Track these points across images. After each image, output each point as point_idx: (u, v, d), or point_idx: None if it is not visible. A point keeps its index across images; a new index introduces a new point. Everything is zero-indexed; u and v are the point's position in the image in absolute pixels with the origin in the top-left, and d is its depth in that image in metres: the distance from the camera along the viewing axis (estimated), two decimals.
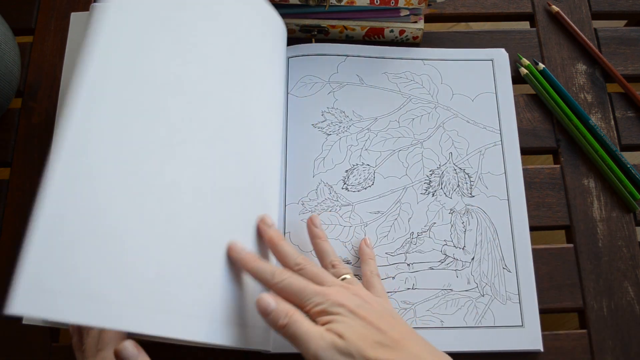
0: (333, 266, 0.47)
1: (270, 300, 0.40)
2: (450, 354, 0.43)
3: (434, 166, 0.55)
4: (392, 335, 0.39)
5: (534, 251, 0.53)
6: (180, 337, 0.40)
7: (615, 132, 0.58)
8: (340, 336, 0.38)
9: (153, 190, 0.40)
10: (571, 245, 0.54)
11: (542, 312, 0.51)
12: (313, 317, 0.40)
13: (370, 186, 0.54)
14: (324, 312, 0.40)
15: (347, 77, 0.58)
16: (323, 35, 0.61)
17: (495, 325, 0.50)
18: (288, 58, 0.59)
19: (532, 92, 0.60)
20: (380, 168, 0.55)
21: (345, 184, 0.54)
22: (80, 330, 0.45)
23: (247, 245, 0.46)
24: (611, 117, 0.59)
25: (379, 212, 0.54)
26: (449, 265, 0.52)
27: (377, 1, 0.56)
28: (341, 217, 0.53)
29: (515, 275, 0.52)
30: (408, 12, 0.58)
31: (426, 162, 0.56)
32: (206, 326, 0.42)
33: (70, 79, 0.48)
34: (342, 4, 0.56)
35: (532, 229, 0.54)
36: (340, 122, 0.57)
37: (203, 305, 0.42)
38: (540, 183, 0.56)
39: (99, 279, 0.34)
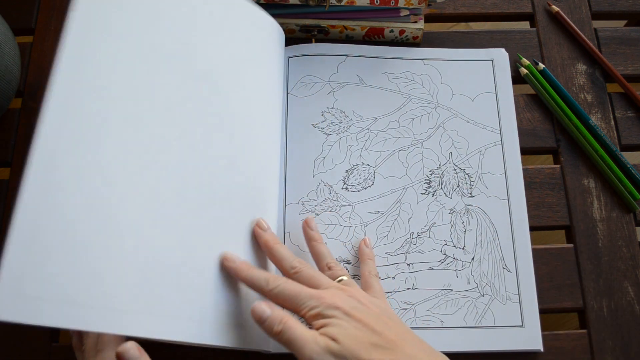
0: (329, 268, 0.47)
1: (265, 307, 0.40)
2: (450, 354, 0.43)
3: (434, 166, 0.55)
4: (387, 336, 0.39)
5: (534, 251, 0.53)
6: (174, 339, 0.41)
7: (615, 132, 0.58)
8: (334, 340, 0.38)
9: (135, 195, 0.40)
10: (571, 245, 0.54)
11: (542, 312, 0.51)
12: (309, 321, 0.40)
13: (370, 186, 0.54)
14: (319, 316, 0.40)
15: (347, 77, 0.58)
16: (323, 35, 0.61)
17: (495, 325, 0.50)
18: (288, 58, 0.59)
19: (532, 92, 0.60)
20: (380, 168, 0.55)
21: (345, 184, 0.54)
22: (80, 331, 0.45)
23: (243, 247, 0.46)
24: (611, 117, 0.59)
25: (379, 212, 0.54)
26: (449, 265, 0.52)
27: (377, 1, 0.56)
28: (341, 217, 0.53)
29: (515, 275, 0.52)
30: (408, 12, 0.58)
31: (426, 162, 0.55)
32: (205, 328, 0.42)
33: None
34: (342, 4, 0.56)
35: (532, 229, 0.54)
36: (340, 122, 0.57)
37: (199, 307, 0.42)
38: (540, 183, 0.56)
39: (79, 284, 0.35)
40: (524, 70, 0.60)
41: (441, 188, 0.55)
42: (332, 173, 0.55)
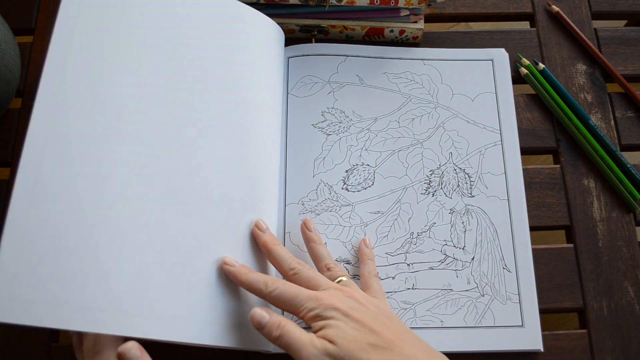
0: (328, 269, 0.47)
1: (263, 313, 0.41)
2: (450, 354, 0.43)
3: (434, 166, 0.55)
4: (386, 337, 0.39)
5: (534, 251, 0.53)
6: (175, 340, 0.41)
7: (615, 132, 0.58)
8: (331, 342, 0.38)
9: (129, 198, 0.41)
10: (571, 245, 0.54)
11: (542, 312, 0.51)
12: (308, 322, 0.41)
13: (370, 186, 0.54)
14: (318, 317, 0.40)
15: (347, 77, 0.58)
16: (323, 35, 0.61)
17: (495, 325, 0.50)
18: (288, 58, 0.59)
19: (532, 92, 0.60)
20: (380, 168, 0.55)
21: (345, 184, 0.54)
22: (80, 332, 0.45)
23: (242, 248, 0.46)
24: (611, 117, 0.59)
25: (379, 212, 0.54)
26: (449, 265, 0.52)
27: (377, 1, 0.56)
28: (341, 217, 0.53)
29: (515, 275, 0.52)
30: (408, 12, 0.58)
31: (426, 162, 0.56)
32: (205, 328, 0.43)
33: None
34: (342, 4, 0.56)
35: (532, 229, 0.54)
36: (340, 122, 0.57)
37: (199, 308, 0.43)
38: (540, 183, 0.56)
39: (70, 286, 0.37)
40: (524, 70, 0.60)
41: (441, 188, 0.55)
42: (332, 173, 0.55)
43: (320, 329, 0.40)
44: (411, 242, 0.53)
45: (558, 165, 0.57)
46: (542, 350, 0.50)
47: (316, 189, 0.54)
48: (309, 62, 0.59)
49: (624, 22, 0.68)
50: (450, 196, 0.54)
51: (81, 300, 0.38)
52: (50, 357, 0.50)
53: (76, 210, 0.39)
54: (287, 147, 0.55)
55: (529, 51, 0.61)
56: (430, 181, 0.55)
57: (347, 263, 0.52)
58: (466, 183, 0.55)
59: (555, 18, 0.63)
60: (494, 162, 0.55)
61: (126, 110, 0.44)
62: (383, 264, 0.52)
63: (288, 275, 0.44)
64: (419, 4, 0.56)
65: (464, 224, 0.53)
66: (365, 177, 0.55)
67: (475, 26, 1.03)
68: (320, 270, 0.47)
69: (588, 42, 0.61)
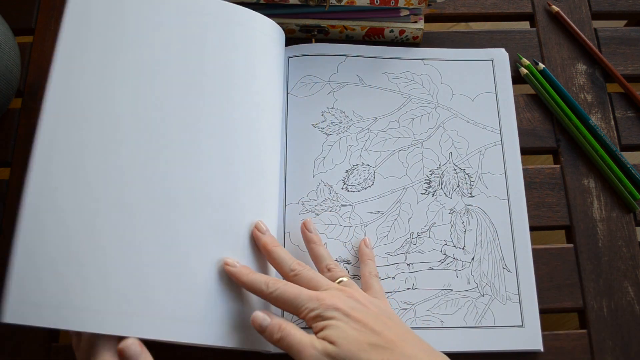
0: (329, 270, 0.47)
1: (264, 316, 0.41)
2: (450, 354, 0.43)
3: (434, 166, 0.55)
4: (387, 336, 0.39)
5: (534, 251, 0.53)
6: (175, 340, 0.42)
7: (615, 132, 0.58)
8: (332, 342, 0.39)
9: (129, 200, 0.43)
10: (571, 245, 0.54)
11: (542, 312, 0.51)
12: (309, 323, 0.41)
13: (370, 186, 0.54)
14: (319, 317, 0.40)
15: (347, 77, 0.58)
16: (323, 35, 0.61)
17: (495, 325, 0.50)
18: (288, 58, 0.59)
19: (532, 92, 0.60)
20: (380, 168, 0.55)
21: (345, 184, 0.54)
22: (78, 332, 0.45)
23: (242, 250, 0.46)
24: (611, 117, 0.59)
25: (379, 212, 0.54)
26: (449, 265, 0.52)
27: (377, 1, 0.56)
28: (341, 217, 0.53)
29: (515, 275, 0.52)
30: (408, 12, 0.58)
31: (426, 162, 0.56)
32: (205, 329, 0.43)
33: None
34: (342, 4, 0.56)
35: (532, 229, 0.54)
36: (340, 122, 0.57)
37: (199, 308, 0.43)
38: (540, 183, 0.56)
39: (73, 290, 0.40)
40: (524, 70, 0.60)
41: (441, 188, 0.55)
42: (332, 173, 0.55)
43: (321, 329, 0.40)
44: (411, 242, 0.53)
45: (558, 165, 0.57)
46: (542, 350, 0.50)
47: (316, 189, 0.54)
48: (309, 62, 0.59)
49: (624, 22, 0.68)
50: (450, 196, 0.54)
51: (84, 302, 0.40)
52: (50, 357, 0.50)
53: (79, 217, 0.42)
54: (287, 147, 0.55)
55: (529, 51, 0.61)
56: (430, 181, 0.55)
57: (347, 263, 0.52)
58: (466, 183, 0.55)
59: (555, 18, 0.63)
60: (494, 162, 0.55)
61: (125, 114, 0.45)
62: (383, 264, 0.52)
63: (289, 276, 0.44)
64: (419, 4, 0.56)
65: (464, 224, 0.53)
66: (365, 177, 0.55)
67: (475, 26, 1.03)
68: (320, 271, 0.47)
69: (588, 42, 0.61)
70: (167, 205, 0.44)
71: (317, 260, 0.48)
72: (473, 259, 0.52)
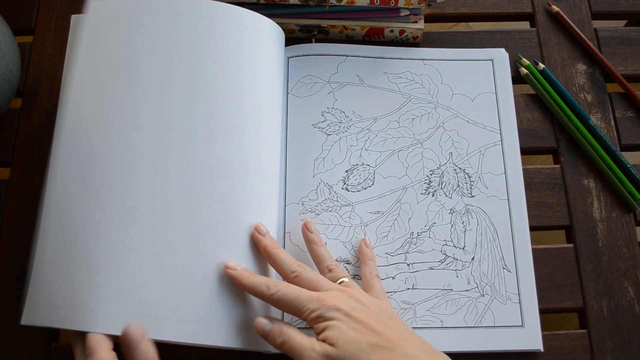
0: (330, 270, 0.47)
1: (266, 321, 0.42)
2: (450, 354, 0.43)
3: (434, 166, 0.55)
4: (388, 337, 0.40)
5: (534, 251, 0.53)
6: (176, 340, 0.42)
7: (615, 132, 0.58)
8: (332, 344, 0.39)
9: (127, 207, 0.45)
10: (571, 245, 0.54)
11: (542, 312, 0.51)
12: (310, 324, 0.41)
13: (370, 186, 0.54)
14: (320, 318, 0.40)
15: (347, 77, 0.58)
16: (323, 35, 0.61)
17: (495, 325, 0.50)
18: (288, 58, 0.59)
19: (532, 92, 0.60)
20: (380, 168, 0.55)
21: (345, 184, 0.54)
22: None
23: (242, 251, 0.46)
24: (611, 117, 0.59)
25: (379, 212, 0.54)
26: (449, 265, 0.52)
27: (377, 1, 0.56)
28: (341, 217, 0.53)
29: (515, 275, 0.52)
30: (408, 12, 0.58)
31: (426, 162, 0.55)
32: (206, 329, 0.43)
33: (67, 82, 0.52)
34: (342, 4, 0.56)
35: (532, 229, 0.54)
36: (340, 122, 0.57)
37: (200, 309, 0.43)
38: (540, 183, 0.56)
39: (83, 293, 0.42)
40: (524, 70, 0.60)
41: (441, 188, 0.55)
42: (332, 173, 0.55)
43: (323, 330, 0.40)
44: (411, 242, 0.53)
45: (558, 165, 0.57)
46: (542, 350, 0.50)
47: (316, 189, 0.54)
48: (309, 62, 0.59)
49: (624, 22, 0.68)
50: (450, 196, 0.54)
51: (91, 303, 0.42)
52: (50, 357, 0.50)
53: (86, 224, 0.44)
54: (287, 147, 0.55)
55: (529, 51, 0.61)
56: (430, 181, 0.55)
57: (347, 263, 0.52)
58: (466, 183, 0.55)
59: (555, 18, 0.63)
60: (494, 162, 0.55)
61: (129, 119, 0.47)
62: (383, 264, 0.52)
63: (289, 277, 0.44)
64: (419, 4, 0.56)
65: (464, 224, 0.53)
66: (365, 177, 0.55)
67: (475, 26, 1.03)
68: (321, 271, 0.47)
69: (588, 42, 0.61)
70: (167, 207, 0.45)
71: (318, 261, 0.48)
72: (473, 259, 0.52)
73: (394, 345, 0.39)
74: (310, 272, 0.44)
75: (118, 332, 0.41)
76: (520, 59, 0.61)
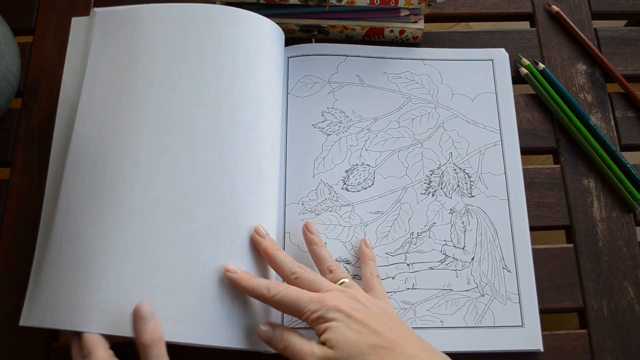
0: (330, 271, 0.47)
1: (268, 328, 0.43)
2: (450, 354, 0.43)
3: (434, 166, 0.55)
4: (388, 337, 0.40)
5: (534, 251, 0.53)
6: (177, 340, 0.42)
7: (615, 132, 0.58)
8: (332, 347, 0.39)
9: (127, 209, 0.45)
10: (571, 245, 0.54)
11: (542, 312, 0.51)
12: (311, 325, 0.41)
13: (370, 186, 0.54)
14: (321, 319, 0.40)
15: (347, 77, 0.58)
16: (323, 35, 0.61)
17: (495, 325, 0.50)
18: (288, 58, 0.59)
19: (532, 92, 0.60)
20: (380, 168, 0.55)
21: (345, 184, 0.54)
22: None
23: (242, 253, 0.46)
24: (611, 117, 0.59)
25: (379, 212, 0.54)
26: (448, 265, 0.52)
27: (377, 1, 0.56)
28: (341, 217, 0.53)
29: (515, 275, 0.52)
30: (408, 12, 0.58)
31: (426, 162, 0.55)
32: (206, 329, 0.43)
33: (71, 84, 0.53)
34: (342, 4, 0.56)
35: (532, 229, 0.54)
36: (340, 122, 0.57)
37: (200, 309, 0.43)
38: (540, 183, 0.56)
39: (84, 294, 0.43)
40: (524, 70, 0.60)
41: (441, 188, 0.55)
42: (332, 173, 0.55)
43: (323, 331, 0.40)
44: (411, 242, 0.53)
45: (558, 165, 0.57)
46: (542, 350, 0.50)
47: (316, 189, 0.54)
48: (309, 62, 0.59)
49: (624, 22, 0.68)
50: (450, 196, 0.54)
51: (92, 304, 0.42)
52: (50, 357, 0.50)
53: (86, 225, 0.44)
54: (287, 147, 0.55)
55: (529, 51, 0.61)
56: (430, 181, 0.55)
57: (347, 263, 0.52)
58: (466, 183, 0.55)
59: (555, 18, 0.63)
60: (494, 162, 0.55)
61: (131, 122, 0.47)
62: (383, 264, 0.52)
63: (290, 279, 0.44)
64: (419, 4, 0.56)
65: (464, 224, 0.53)
66: (365, 177, 0.55)
67: (475, 26, 1.03)
68: (322, 272, 0.47)
69: (588, 42, 0.61)
70: (167, 208, 0.45)
71: (318, 262, 0.49)
72: (473, 259, 0.52)
73: (394, 346, 0.39)
74: (310, 273, 0.44)
75: (118, 333, 0.41)
76: (520, 59, 0.61)
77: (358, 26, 0.59)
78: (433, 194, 0.54)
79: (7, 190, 0.55)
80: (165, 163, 0.46)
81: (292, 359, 0.41)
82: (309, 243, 0.50)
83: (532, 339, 0.50)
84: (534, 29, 0.63)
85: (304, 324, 0.48)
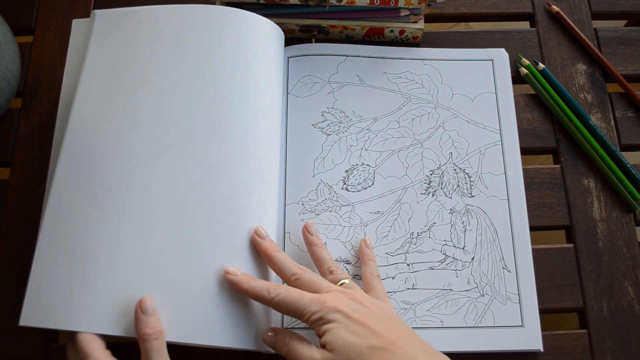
0: (331, 272, 0.47)
1: (270, 334, 0.43)
2: (450, 354, 0.43)
3: (434, 166, 0.55)
4: (388, 338, 0.40)
5: (534, 251, 0.53)
6: (177, 340, 0.42)
7: (615, 132, 0.58)
8: (331, 350, 0.39)
9: (126, 210, 0.45)
10: (571, 245, 0.54)
11: (542, 312, 0.51)
12: (312, 326, 0.41)
13: (370, 186, 0.54)
14: (321, 320, 0.40)
15: (347, 77, 0.58)
16: (323, 35, 0.61)
17: (495, 325, 0.50)
18: (288, 58, 0.59)
19: (532, 92, 0.60)
20: (380, 168, 0.55)
21: (345, 184, 0.54)
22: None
23: (241, 254, 0.46)
24: (611, 117, 0.59)
25: (378, 212, 0.54)
26: (448, 265, 0.52)
27: (377, 1, 0.56)
28: (341, 217, 0.53)
29: (515, 275, 0.52)
30: (408, 12, 0.58)
31: (426, 162, 0.55)
32: (207, 329, 0.43)
33: (71, 86, 0.53)
34: (342, 4, 0.56)
35: (532, 229, 0.54)
36: (340, 122, 0.57)
37: (201, 310, 0.43)
38: (540, 183, 0.56)
39: (82, 294, 0.43)
40: (524, 70, 0.60)
41: (441, 188, 0.55)
42: (332, 173, 0.55)
43: (324, 333, 0.40)
44: (411, 242, 0.53)
45: (558, 165, 0.57)
46: (542, 350, 0.50)
47: (316, 189, 0.54)
48: (309, 62, 0.59)
49: (624, 22, 0.68)
50: (450, 196, 0.54)
51: (90, 304, 0.42)
52: (50, 357, 0.50)
53: (85, 225, 0.44)
54: (287, 147, 0.55)
55: (529, 51, 0.61)
56: (430, 181, 0.55)
57: (347, 263, 0.52)
58: (466, 183, 0.55)
59: (555, 18, 0.63)
60: (494, 162, 0.55)
61: (129, 121, 0.47)
62: (383, 264, 0.52)
63: (290, 280, 0.44)
64: (419, 4, 0.56)
65: (464, 224, 0.53)
66: (365, 177, 0.55)
67: (475, 26, 1.03)
68: (322, 273, 0.47)
69: (588, 42, 0.61)
70: (167, 208, 0.45)
71: (318, 263, 0.49)
72: (473, 259, 0.52)
73: (393, 347, 0.39)
74: (310, 275, 0.44)
75: (117, 333, 0.41)
76: (520, 59, 0.61)
77: (358, 26, 0.59)
78: (433, 194, 0.54)
79: (7, 190, 0.55)
80: (165, 163, 0.46)
81: None
82: (309, 244, 0.50)
83: (532, 339, 0.50)
84: (534, 29, 0.63)
85: (304, 324, 0.48)
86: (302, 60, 0.59)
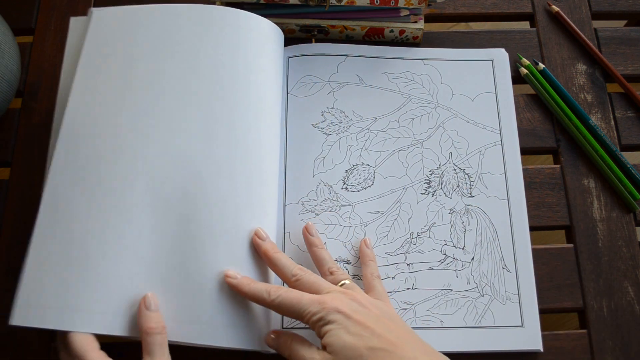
0: (331, 273, 0.47)
1: (273, 337, 0.44)
2: (450, 354, 0.43)
3: (434, 166, 0.55)
4: (387, 339, 0.40)
5: (534, 251, 0.53)
6: (177, 340, 0.42)
7: (615, 132, 0.58)
8: (331, 352, 0.39)
9: (125, 209, 0.45)
10: (571, 245, 0.54)
11: (542, 312, 0.51)
12: (312, 327, 0.41)
13: (370, 186, 0.54)
14: (322, 320, 0.41)
15: (347, 77, 0.58)
16: (323, 35, 0.61)
17: (495, 325, 0.50)
18: (288, 58, 0.59)
19: (532, 92, 0.60)
20: (380, 168, 0.55)
21: (345, 184, 0.54)
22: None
23: (241, 256, 0.46)
24: (611, 117, 0.59)
25: (378, 212, 0.54)
26: (448, 265, 0.52)
27: (377, 1, 0.56)
28: (341, 217, 0.53)
29: (515, 275, 0.52)
30: (408, 12, 0.58)
31: (426, 162, 0.55)
32: (207, 329, 0.43)
33: (68, 84, 0.52)
34: (342, 4, 0.56)
35: (532, 229, 0.54)
36: (340, 122, 0.57)
37: (201, 310, 0.43)
38: (540, 183, 0.56)
39: (77, 294, 0.42)
40: (524, 70, 0.60)
41: (441, 188, 0.55)
42: (332, 173, 0.55)
43: (324, 334, 0.40)
44: (411, 242, 0.53)
45: (558, 165, 0.57)
46: (542, 350, 0.50)
47: (316, 189, 0.54)
48: (309, 62, 0.59)
49: (624, 22, 0.68)
50: (450, 196, 0.54)
51: (86, 304, 0.42)
52: (50, 357, 0.50)
53: (82, 224, 0.44)
54: (287, 147, 0.55)
55: (529, 51, 0.61)
56: (430, 181, 0.55)
57: (347, 263, 0.52)
58: (466, 183, 0.55)
59: (555, 18, 0.63)
60: (494, 162, 0.55)
61: (127, 121, 0.47)
62: (383, 264, 0.52)
63: (290, 282, 0.44)
64: (419, 4, 0.56)
65: (464, 224, 0.53)
66: (365, 177, 0.55)
67: (475, 26, 1.03)
68: (322, 274, 0.47)
69: (588, 42, 0.61)
70: (166, 208, 0.45)
71: (319, 264, 0.49)
72: (473, 259, 0.52)
73: (393, 348, 0.39)
74: (311, 275, 0.44)
75: (116, 332, 0.41)
76: (520, 59, 0.61)
77: (358, 26, 0.59)
78: (433, 194, 0.54)
79: (7, 190, 0.55)
80: (165, 162, 0.46)
81: None
82: (309, 245, 0.50)
83: (532, 339, 0.50)
84: (534, 29, 0.63)
85: (305, 324, 0.48)
86: (302, 60, 0.59)
